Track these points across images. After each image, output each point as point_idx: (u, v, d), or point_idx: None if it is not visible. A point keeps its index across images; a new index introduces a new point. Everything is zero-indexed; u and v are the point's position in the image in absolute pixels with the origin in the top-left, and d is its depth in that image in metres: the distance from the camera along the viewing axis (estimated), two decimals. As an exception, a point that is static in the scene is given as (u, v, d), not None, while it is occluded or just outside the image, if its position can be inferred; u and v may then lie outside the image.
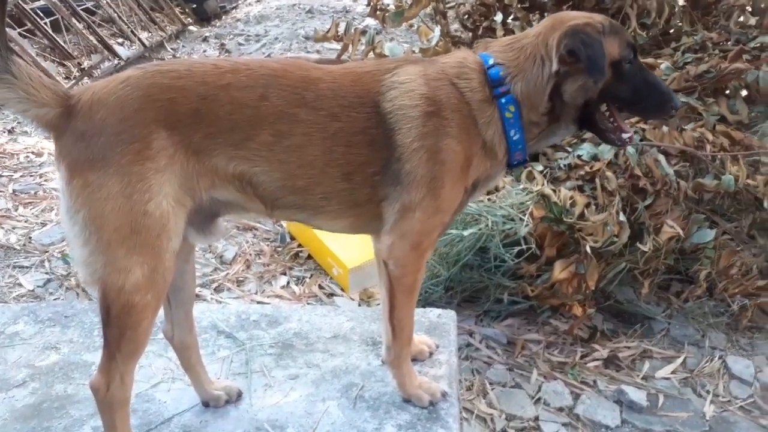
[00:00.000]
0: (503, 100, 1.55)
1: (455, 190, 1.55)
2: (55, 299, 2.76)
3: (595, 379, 2.59)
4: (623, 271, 2.80)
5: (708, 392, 2.55)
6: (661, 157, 2.74)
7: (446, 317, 2.13)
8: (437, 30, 3.20)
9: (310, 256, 3.25)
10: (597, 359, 2.71)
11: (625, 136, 1.61)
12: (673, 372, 2.66)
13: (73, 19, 7.01)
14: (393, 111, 1.50)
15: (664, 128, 2.81)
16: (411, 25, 3.45)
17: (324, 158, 1.49)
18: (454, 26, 3.99)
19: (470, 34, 3.73)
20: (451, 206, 1.58)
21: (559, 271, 2.58)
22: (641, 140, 2.80)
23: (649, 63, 2.88)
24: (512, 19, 3.53)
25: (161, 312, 1.58)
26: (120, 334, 1.41)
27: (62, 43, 6.67)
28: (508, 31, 3.48)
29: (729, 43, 3.02)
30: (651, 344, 2.79)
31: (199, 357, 1.73)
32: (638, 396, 2.47)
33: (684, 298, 2.95)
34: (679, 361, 2.70)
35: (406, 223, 1.54)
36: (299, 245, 3.32)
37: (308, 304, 2.84)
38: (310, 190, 1.52)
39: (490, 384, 2.54)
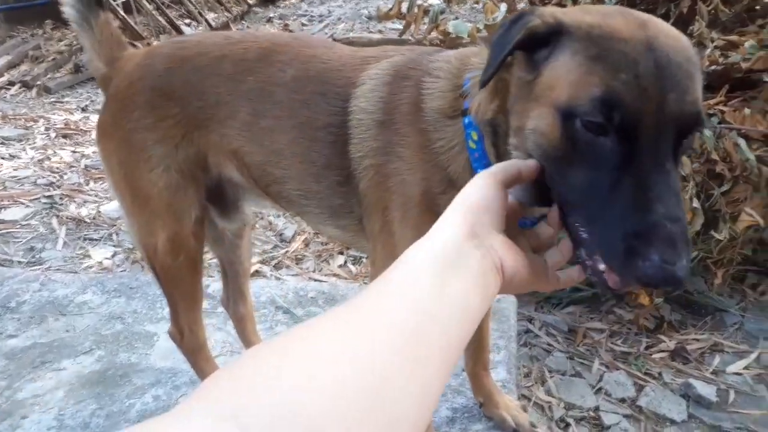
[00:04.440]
0: (466, 120, 1.07)
1: (415, 235, 1.02)
2: (121, 271, 2.86)
3: (660, 371, 2.47)
4: (695, 260, 2.65)
5: (784, 390, 2.40)
6: (742, 141, 2.56)
7: (506, 302, 2.08)
8: (503, 6, 3.09)
9: (367, 236, 3.24)
10: (663, 351, 2.58)
11: (601, 266, 0.84)
12: (745, 367, 2.50)
13: (144, 1, 7.19)
14: (353, 113, 1.22)
15: (746, 110, 2.63)
16: (477, 2, 3.34)
17: (291, 149, 1.29)
18: (521, 5, 3.85)
19: (538, 11, 3.59)
20: None
21: (626, 259, 2.46)
22: (719, 123, 2.64)
23: (733, 41, 2.70)
24: (582, -5, 3.38)
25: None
26: (171, 291, 1.50)
27: (133, 24, 6.87)
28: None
29: (823, 18, 2.79)
30: (722, 337, 2.64)
31: (255, 329, 1.77)
32: (707, 391, 2.34)
33: (761, 291, 2.78)
34: (753, 356, 2.55)
35: (375, 257, 1.26)
36: (357, 225, 3.32)
37: (364, 283, 2.84)
38: (287, 183, 1.34)
39: (550, 372, 2.46)
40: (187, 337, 1.55)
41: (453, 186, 1.10)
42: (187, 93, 1.33)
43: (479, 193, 0.79)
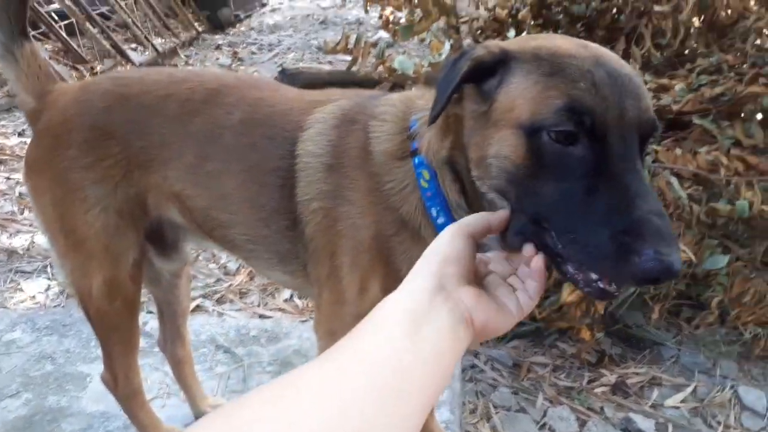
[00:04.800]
0: (416, 160, 1.08)
1: (365, 279, 1.14)
2: (55, 306, 2.74)
3: (602, 406, 2.52)
4: (633, 295, 2.74)
5: (719, 423, 2.48)
6: (674, 180, 2.67)
7: (450, 339, 2.08)
8: (447, 44, 3.17)
9: (314, 270, 3.20)
10: (604, 385, 2.64)
11: (593, 276, 0.84)
12: (682, 401, 2.58)
13: (88, 24, 7.04)
14: (300, 156, 1.22)
15: (678, 150, 2.76)
16: (423, 40, 3.42)
17: (239, 194, 1.28)
18: (467, 41, 3.96)
19: (483, 49, 3.70)
20: (362, 300, 1.15)
21: (568, 294, 2.52)
22: (653, 162, 2.75)
23: (664, 84, 2.84)
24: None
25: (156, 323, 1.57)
26: (105, 335, 1.43)
27: (76, 47, 6.70)
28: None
29: (745, 66, 2.97)
30: (660, 371, 2.72)
31: (193, 372, 1.71)
32: (646, 425, 2.40)
33: (695, 325, 2.88)
34: (689, 389, 2.63)
35: (320, 302, 1.24)
36: (304, 258, 3.28)
37: (310, 318, 2.79)
38: (233, 227, 1.31)
39: (495, 407, 2.47)
40: (122, 383, 1.48)
41: (405, 227, 1.11)
42: (129, 132, 1.29)
43: (448, 246, 0.81)
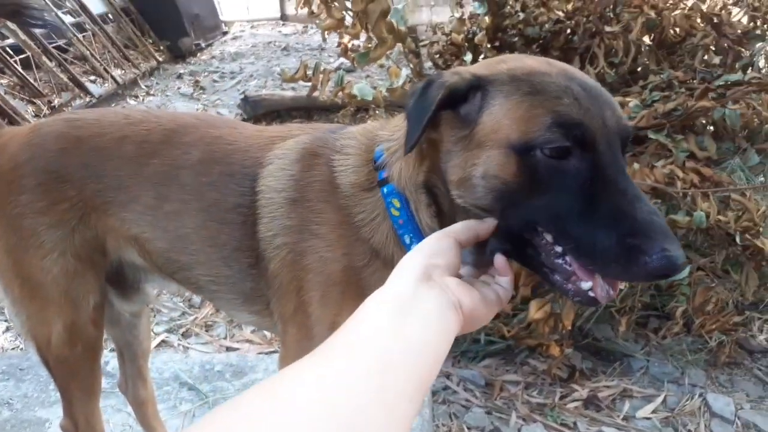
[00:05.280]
0: (385, 190, 1.09)
1: (336, 313, 1.12)
2: (13, 349, 2.64)
3: (575, 421, 2.53)
4: (600, 308, 2.77)
5: (689, 431, 2.50)
6: (634, 194, 2.73)
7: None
8: (404, 71, 3.21)
9: (282, 298, 3.16)
10: (577, 399, 2.65)
11: (584, 285, 0.88)
12: (653, 411, 2.60)
13: (44, 57, 6.93)
14: (262, 192, 1.20)
15: (635, 165, 2.82)
16: (382, 66, 3.45)
17: (199, 233, 1.25)
18: (428, 64, 4.01)
19: (442, 72, 3.75)
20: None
21: (535, 311, 2.53)
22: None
23: (619, 101, 2.91)
24: (483, 59, 3.56)
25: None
26: (65, 382, 1.38)
27: (32, 81, 6.58)
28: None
29: (694, 81, 3.07)
30: (630, 383, 2.74)
31: (156, 412, 1.66)
32: (619, 438, 2.41)
33: (662, 335, 2.92)
34: (660, 399, 2.65)
35: (286, 339, 1.22)
36: (271, 287, 3.24)
37: (278, 348, 2.75)
38: (195, 268, 1.29)
39: (469, 429, 2.46)
40: (83, 430, 1.41)
41: (377, 256, 1.11)
42: (85, 175, 1.27)
43: (433, 243, 0.83)
